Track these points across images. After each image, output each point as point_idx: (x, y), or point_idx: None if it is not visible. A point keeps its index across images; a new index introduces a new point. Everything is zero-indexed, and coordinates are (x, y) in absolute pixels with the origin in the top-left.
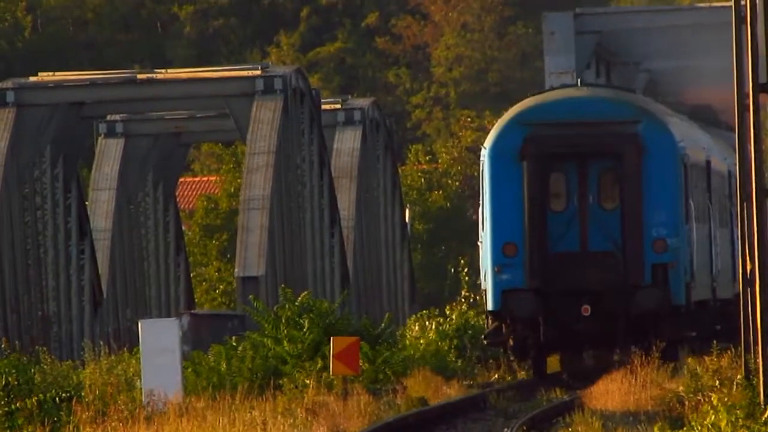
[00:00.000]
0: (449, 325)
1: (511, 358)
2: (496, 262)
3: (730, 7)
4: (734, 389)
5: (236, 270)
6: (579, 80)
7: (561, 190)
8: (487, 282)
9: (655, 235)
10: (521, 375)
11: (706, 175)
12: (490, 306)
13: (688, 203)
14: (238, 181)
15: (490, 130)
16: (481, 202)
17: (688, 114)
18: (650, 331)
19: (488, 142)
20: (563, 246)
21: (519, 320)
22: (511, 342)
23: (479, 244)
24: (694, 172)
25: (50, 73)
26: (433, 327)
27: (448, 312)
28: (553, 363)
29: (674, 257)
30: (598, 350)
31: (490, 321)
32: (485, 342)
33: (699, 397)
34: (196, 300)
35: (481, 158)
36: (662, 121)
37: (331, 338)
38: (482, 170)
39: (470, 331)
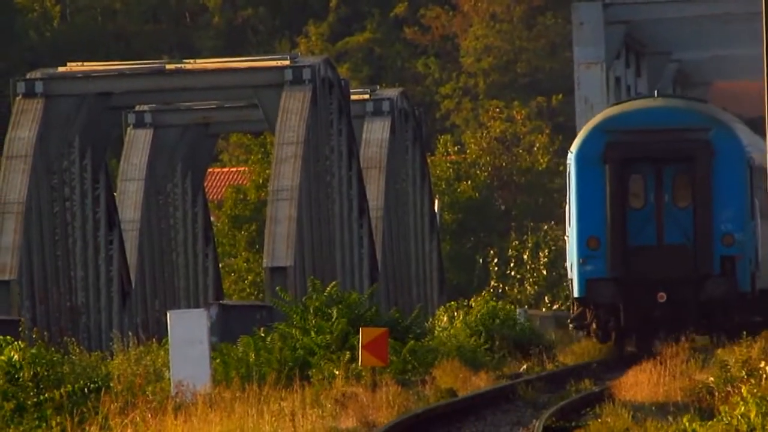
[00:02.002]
0: (473, 316)
1: (594, 340)
2: (581, 254)
3: None
4: (764, 380)
5: (265, 261)
6: (656, 91)
7: (639, 190)
8: (572, 272)
9: (723, 230)
10: (550, 366)
11: None
12: (575, 293)
13: (753, 202)
14: (267, 171)
15: (518, 120)
16: (567, 200)
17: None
18: (719, 316)
19: (574, 147)
20: (641, 240)
21: (601, 306)
22: (594, 326)
23: (565, 238)
24: (758, 174)
25: (79, 64)
26: (461, 318)
27: (473, 304)
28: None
29: (740, 250)
30: (671, 333)
31: (575, 307)
32: (570, 326)
33: (729, 388)
34: (225, 291)
35: (568, 161)
36: (730, 128)
37: (360, 329)
38: (568, 172)
39: (497, 320)
